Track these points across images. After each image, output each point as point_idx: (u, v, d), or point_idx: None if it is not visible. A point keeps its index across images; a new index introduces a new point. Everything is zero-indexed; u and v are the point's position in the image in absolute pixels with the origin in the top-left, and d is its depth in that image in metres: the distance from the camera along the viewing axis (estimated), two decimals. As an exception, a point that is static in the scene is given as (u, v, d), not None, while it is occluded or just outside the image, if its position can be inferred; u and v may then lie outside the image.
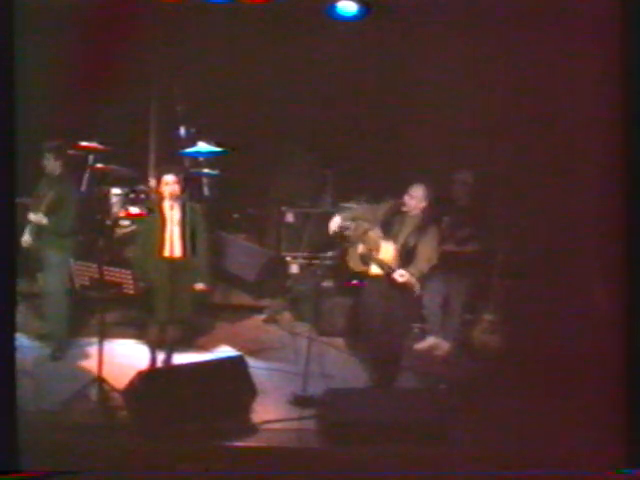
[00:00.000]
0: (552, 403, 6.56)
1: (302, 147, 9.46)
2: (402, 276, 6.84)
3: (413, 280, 6.84)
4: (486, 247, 7.89)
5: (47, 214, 7.23)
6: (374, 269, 7.04)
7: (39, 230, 7.27)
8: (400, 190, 7.13)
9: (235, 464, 6.01)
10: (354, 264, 7.18)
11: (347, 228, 7.12)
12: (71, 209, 7.37)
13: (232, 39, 8.80)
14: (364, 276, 7.17)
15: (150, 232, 7.05)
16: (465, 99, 8.32)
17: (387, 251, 7.01)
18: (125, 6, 7.74)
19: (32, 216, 7.23)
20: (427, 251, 7.00)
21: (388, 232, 7.06)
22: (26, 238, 7.29)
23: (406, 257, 6.97)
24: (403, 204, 7.05)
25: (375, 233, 7.08)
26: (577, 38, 6.91)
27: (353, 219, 7.20)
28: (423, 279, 6.98)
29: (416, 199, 7.02)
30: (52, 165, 7.41)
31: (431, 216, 7.15)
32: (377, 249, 7.03)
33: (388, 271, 6.90)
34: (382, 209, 7.21)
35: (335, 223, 7.18)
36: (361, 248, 7.08)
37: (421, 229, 7.04)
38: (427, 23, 8.25)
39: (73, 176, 7.89)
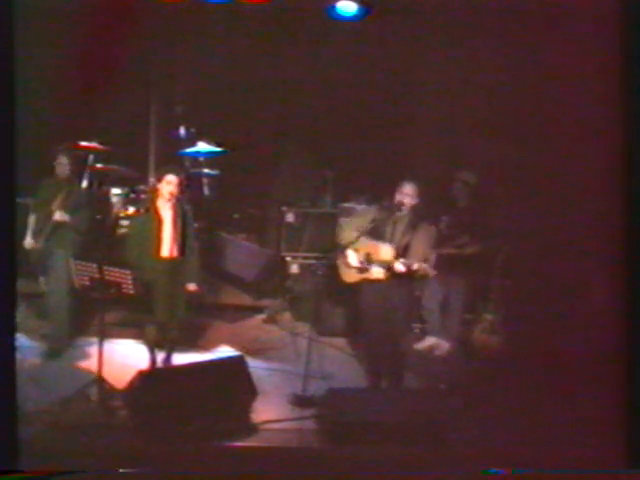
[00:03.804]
0: (552, 403, 6.56)
1: (302, 147, 9.45)
2: (404, 264, 6.77)
3: (416, 266, 6.75)
4: (486, 247, 7.88)
5: (67, 212, 7.31)
6: (374, 272, 6.99)
7: (52, 231, 7.32)
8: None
9: (235, 464, 6.00)
10: (347, 276, 7.09)
11: (368, 261, 7.03)
12: (88, 208, 7.54)
13: (232, 39, 8.80)
14: (360, 283, 7.07)
15: (145, 232, 7.04)
16: (465, 99, 8.32)
17: (386, 251, 6.97)
18: (125, 6, 7.74)
19: (57, 215, 7.29)
20: (421, 248, 6.92)
21: (384, 233, 7.03)
22: (29, 240, 7.33)
23: (404, 253, 6.92)
24: (395, 202, 7.01)
25: (370, 237, 7.03)
26: (577, 38, 6.91)
27: (351, 229, 7.13)
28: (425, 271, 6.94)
29: (407, 196, 6.98)
30: (62, 167, 7.48)
31: (424, 212, 7.11)
32: (376, 252, 6.98)
33: (390, 266, 6.86)
34: (374, 211, 7.19)
35: (353, 258, 7.00)
36: (358, 256, 7.01)
37: (415, 226, 7.00)
38: (427, 23, 8.25)
39: (78, 177, 7.96)
